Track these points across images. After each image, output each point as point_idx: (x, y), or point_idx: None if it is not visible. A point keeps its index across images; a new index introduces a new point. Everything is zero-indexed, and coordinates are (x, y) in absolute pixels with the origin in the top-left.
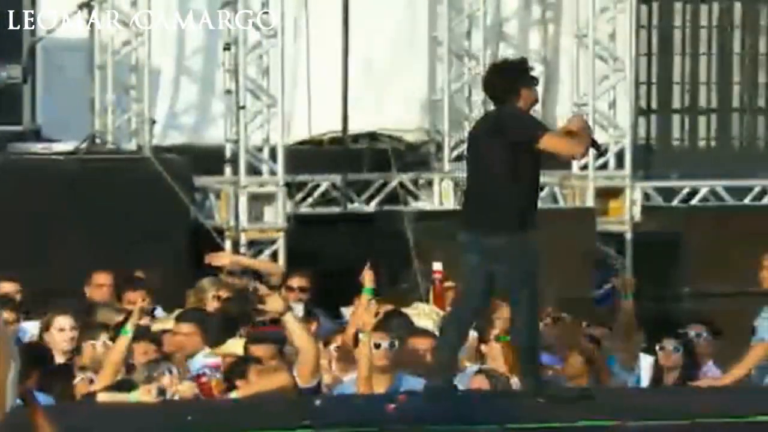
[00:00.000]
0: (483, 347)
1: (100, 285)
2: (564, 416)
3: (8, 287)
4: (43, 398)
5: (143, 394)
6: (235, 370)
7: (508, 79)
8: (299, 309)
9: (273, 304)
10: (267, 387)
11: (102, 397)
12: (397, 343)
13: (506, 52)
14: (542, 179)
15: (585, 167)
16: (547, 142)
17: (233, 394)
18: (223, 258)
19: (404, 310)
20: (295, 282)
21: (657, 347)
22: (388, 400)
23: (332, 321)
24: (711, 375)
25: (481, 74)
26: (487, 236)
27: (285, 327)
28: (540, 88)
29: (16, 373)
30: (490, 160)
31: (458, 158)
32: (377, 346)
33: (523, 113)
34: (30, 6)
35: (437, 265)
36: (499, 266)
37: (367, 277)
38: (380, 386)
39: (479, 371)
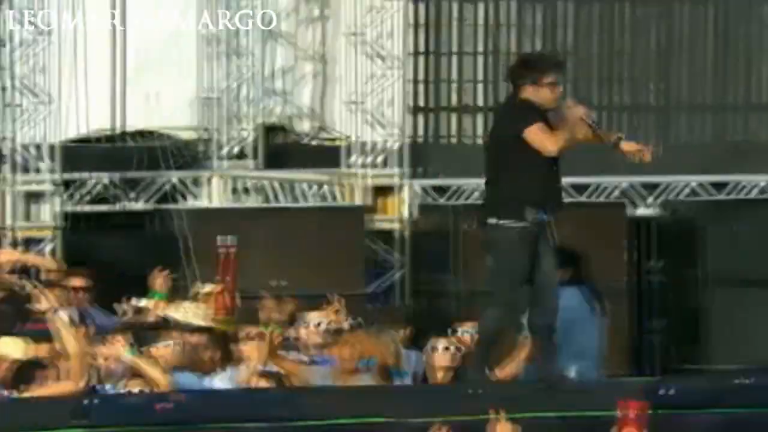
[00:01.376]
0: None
1: None
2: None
3: None
4: None
5: None
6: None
7: (523, 70)
8: (73, 310)
9: (40, 303)
10: (53, 391)
11: None
12: (181, 343)
13: (279, 50)
14: (315, 177)
15: (358, 165)
16: (528, 137)
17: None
18: (2, 255)
19: (171, 311)
20: (72, 282)
21: (429, 347)
22: (161, 399)
23: (108, 319)
24: None
25: (254, 72)
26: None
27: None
28: (313, 87)
29: None
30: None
31: (232, 156)
32: (167, 345)
33: (519, 107)
34: None
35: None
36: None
37: (158, 282)
38: (161, 385)
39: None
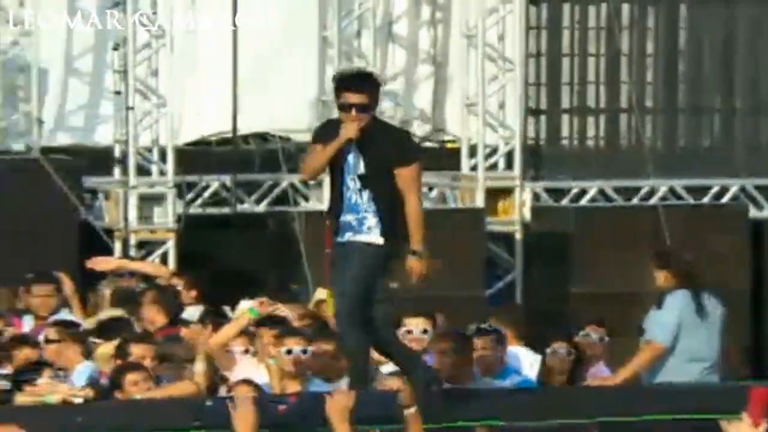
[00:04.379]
0: None
1: None
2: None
3: None
4: None
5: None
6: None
7: (334, 85)
8: (196, 310)
9: None
10: (172, 393)
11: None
12: (309, 349)
13: (395, 52)
14: (432, 180)
15: (475, 168)
16: None
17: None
18: (109, 262)
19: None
20: (186, 283)
21: (548, 350)
22: (280, 401)
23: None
24: (601, 376)
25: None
26: None
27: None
28: (429, 89)
29: None
30: None
31: None
32: (288, 351)
33: (324, 123)
34: None
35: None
36: None
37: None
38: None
39: None
